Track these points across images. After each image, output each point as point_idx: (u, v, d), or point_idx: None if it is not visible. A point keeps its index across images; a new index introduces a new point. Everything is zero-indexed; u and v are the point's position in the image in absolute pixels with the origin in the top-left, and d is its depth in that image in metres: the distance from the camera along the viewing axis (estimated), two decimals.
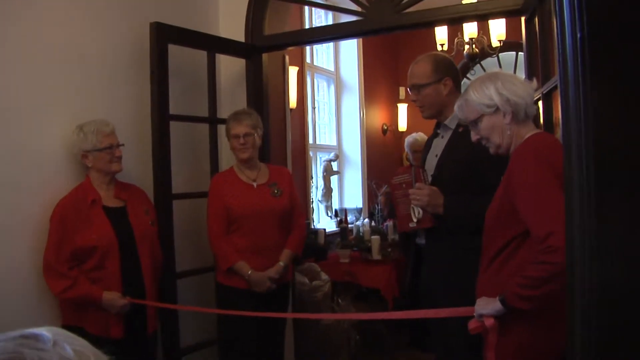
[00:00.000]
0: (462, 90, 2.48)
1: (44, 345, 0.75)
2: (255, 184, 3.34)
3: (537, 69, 3.15)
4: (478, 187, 2.52)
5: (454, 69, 2.86)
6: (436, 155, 2.81)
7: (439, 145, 2.84)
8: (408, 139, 5.25)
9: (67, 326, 2.79)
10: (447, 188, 2.62)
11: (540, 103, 3.09)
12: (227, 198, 3.26)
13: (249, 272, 3.19)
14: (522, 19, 3.30)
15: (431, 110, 2.82)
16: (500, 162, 2.31)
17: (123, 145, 2.98)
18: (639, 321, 0.90)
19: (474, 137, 2.28)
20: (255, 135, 3.32)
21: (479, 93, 2.19)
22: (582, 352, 0.93)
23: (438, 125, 2.91)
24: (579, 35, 0.82)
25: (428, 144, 2.96)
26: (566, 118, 0.92)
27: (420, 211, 2.65)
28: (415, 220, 2.67)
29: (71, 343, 0.77)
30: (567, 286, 0.99)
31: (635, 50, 0.83)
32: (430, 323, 2.87)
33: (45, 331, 0.77)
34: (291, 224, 3.42)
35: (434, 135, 2.94)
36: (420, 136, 5.14)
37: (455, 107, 2.34)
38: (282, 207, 3.33)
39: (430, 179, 2.73)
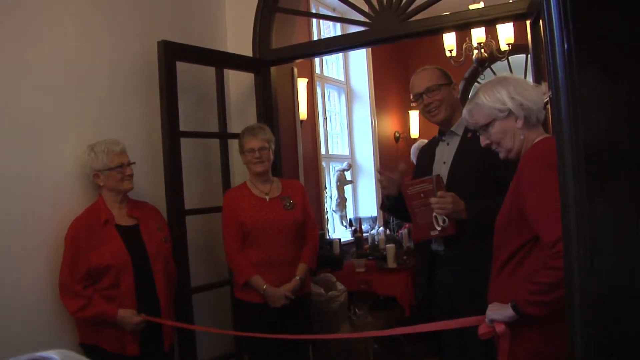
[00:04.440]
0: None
1: None
2: (267, 198, 3.36)
3: (544, 72, 3.15)
4: (492, 190, 2.54)
5: None
6: (444, 162, 2.81)
7: (446, 152, 2.86)
8: (415, 147, 5.19)
9: (84, 344, 2.84)
10: (463, 194, 2.63)
11: (549, 106, 3.08)
12: (240, 212, 3.28)
13: (264, 287, 3.20)
14: (528, 22, 3.29)
15: (447, 111, 2.84)
16: (513, 164, 2.31)
17: (134, 163, 3.02)
18: (637, 318, 0.90)
19: (483, 142, 2.26)
20: (270, 149, 3.37)
21: (491, 97, 2.17)
22: (583, 351, 0.93)
23: (442, 133, 2.92)
24: (566, 46, 0.84)
25: (430, 152, 2.97)
26: (559, 123, 0.93)
27: (446, 219, 2.65)
28: (439, 228, 2.67)
29: None
30: (565, 287, 1.00)
31: (620, 60, 0.85)
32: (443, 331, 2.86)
33: (54, 354, 0.79)
34: (305, 237, 3.43)
35: (435, 142, 2.96)
36: None
37: (464, 111, 2.31)
38: (294, 220, 3.34)
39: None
